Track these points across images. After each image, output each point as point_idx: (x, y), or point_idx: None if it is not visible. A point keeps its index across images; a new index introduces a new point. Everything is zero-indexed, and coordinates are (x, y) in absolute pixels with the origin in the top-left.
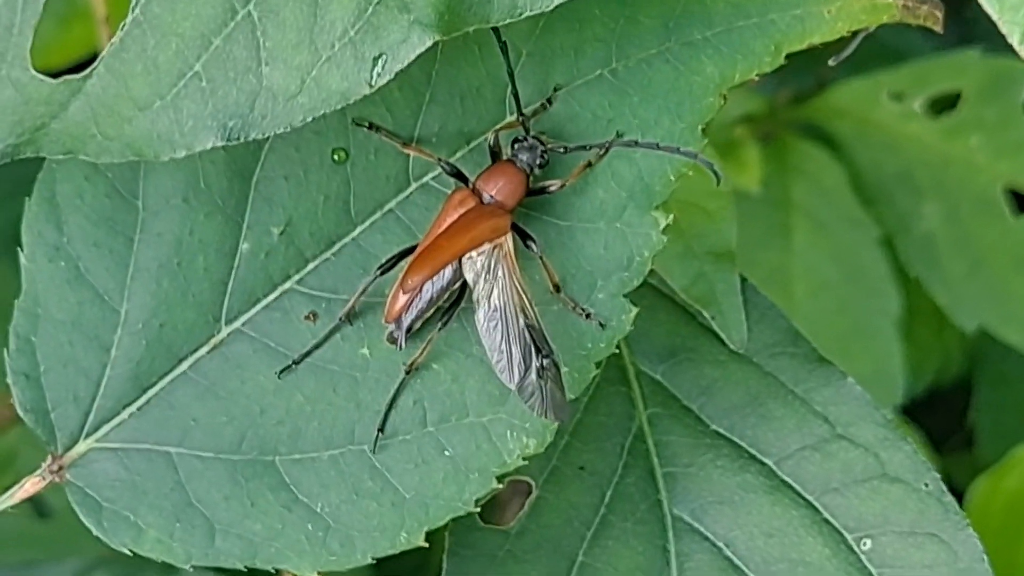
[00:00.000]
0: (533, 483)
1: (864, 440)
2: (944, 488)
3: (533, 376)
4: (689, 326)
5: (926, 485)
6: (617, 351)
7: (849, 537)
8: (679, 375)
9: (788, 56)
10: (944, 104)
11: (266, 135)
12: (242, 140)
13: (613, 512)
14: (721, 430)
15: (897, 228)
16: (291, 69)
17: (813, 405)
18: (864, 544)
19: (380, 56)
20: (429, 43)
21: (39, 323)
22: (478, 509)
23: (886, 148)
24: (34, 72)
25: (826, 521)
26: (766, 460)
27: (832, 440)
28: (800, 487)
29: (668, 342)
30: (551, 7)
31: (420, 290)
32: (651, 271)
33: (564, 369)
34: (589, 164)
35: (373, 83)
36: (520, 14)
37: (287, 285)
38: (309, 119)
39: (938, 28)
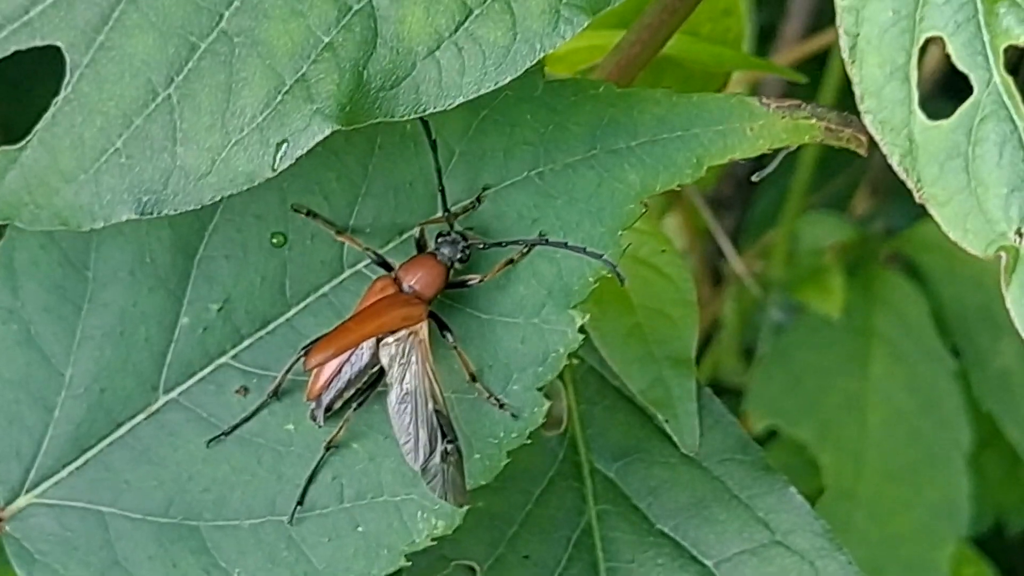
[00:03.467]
0: (477, 568)
1: (801, 548)
2: None
3: (437, 459)
4: (645, 428)
5: None
6: (574, 449)
7: None
8: (631, 474)
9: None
10: None
11: (177, 211)
12: (155, 215)
13: None
14: (666, 529)
15: (973, 362)
16: (203, 150)
17: (756, 511)
18: None
19: (284, 142)
20: (328, 132)
21: None
22: None
23: (970, 283)
24: None
25: None
26: (706, 561)
27: (771, 546)
28: None
29: (624, 442)
30: (453, 105)
31: (340, 371)
32: (613, 372)
33: (476, 456)
34: (511, 261)
35: (275, 167)
36: (424, 110)
37: (222, 359)
38: (217, 198)
39: (862, 151)
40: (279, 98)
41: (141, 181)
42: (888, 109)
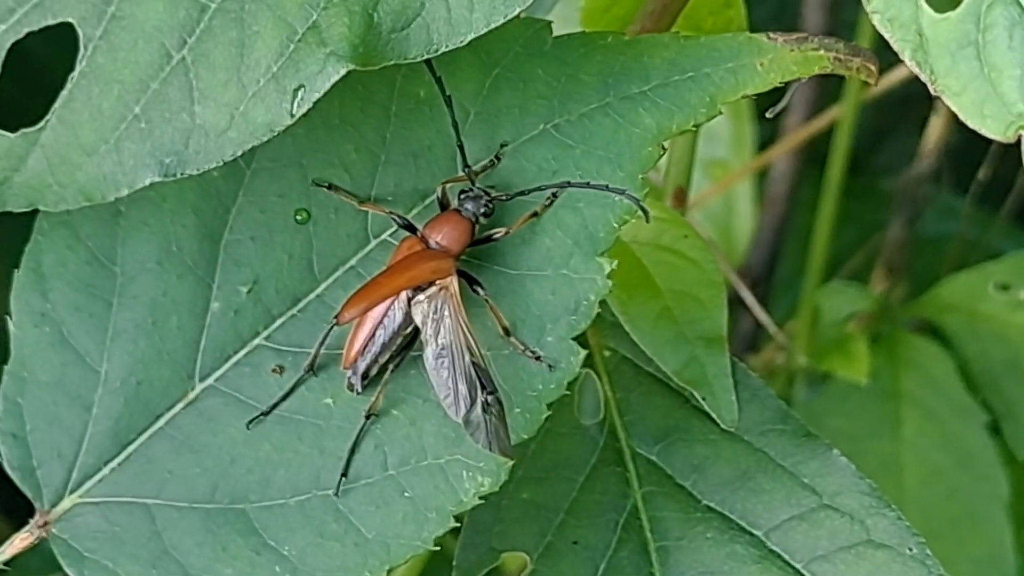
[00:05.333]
0: (528, 558)
1: (850, 508)
2: (928, 552)
3: (478, 410)
4: (683, 408)
5: (911, 549)
6: (613, 436)
7: None
8: (672, 455)
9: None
10: None
11: (200, 170)
12: (178, 176)
13: None
14: (712, 504)
15: (1004, 413)
16: (221, 106)
17: (801, 477)
18: None
19: (300, 88)
20: (343, 72)
21: (26, 386)
22: (437, 547)
23: (994, 338)
24: None
25: None
26: (755, 531)
27: (819, 509)
28: (788, 555)
29: (663, 424)
30: (466, 42)
31: (373, 335)
32: (646, 358)
33: (516, 410)
34: (535, 214)
35: (294, 113)
36: (436, 50)
37: (256, 341)
38: (239, 152)
39: (872, 80)
40: (292, 47)
41: (162, 144)
42: (895, 7)
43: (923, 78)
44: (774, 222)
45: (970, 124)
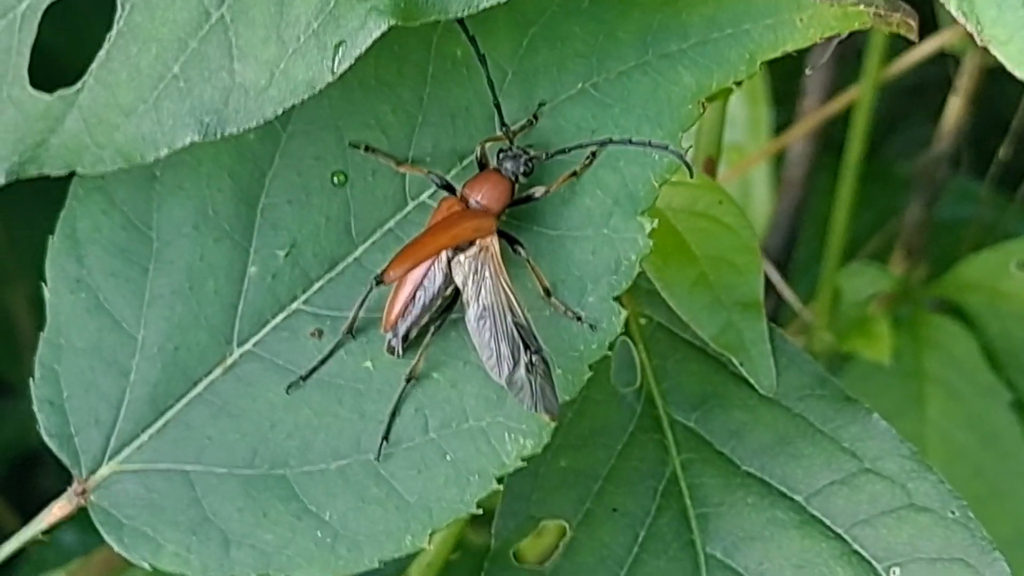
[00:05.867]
0: (567, 525)
1: (891, 472)
2: (971, 515)
3: (522, 371)
4: (720, 374)
5: (953, 512)
6: (651, 403)
7: (879, 566)
8: (710, 421)
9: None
10: None
11: (240, 129)
12: (218, 136)
13: (646, 551)
14: (752, 470)
15: None
16: (261, 64)
17: (841, 442)
18: (893, 573)
19: (340, 44)
20: (385, 27)
21: (62, 352)
22: (480, 511)
23: (1016, 317)
24: (31, 90)
25: (855, 552)
26: (795, 496)
27: (860, 474)
28: (829, 520)
29: (700, 391)
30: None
31: (414, 297)
32: (682, 325)
33: (558, 371)
34: (574, 173)
35: (335, 70)
36: (478, 6)
37: (294, 305)
38: (279, 111)
39: (912, 36)
40: (332, 2)
41: (202, 103)
42: None
43: (969, 28)
44: (791, 206)
45: (1017, 74)
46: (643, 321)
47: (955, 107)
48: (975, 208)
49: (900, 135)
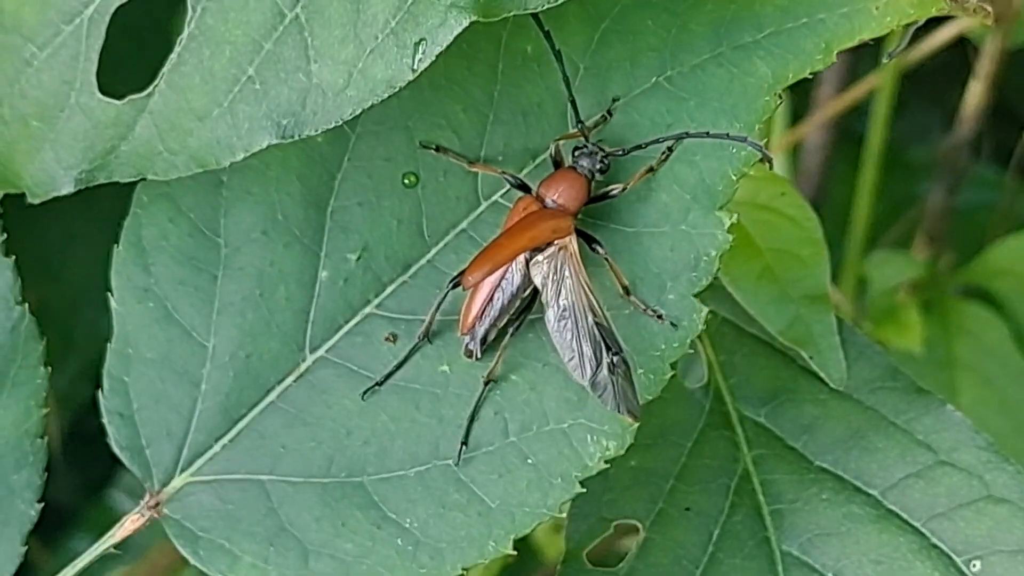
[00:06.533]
0: (640, 526)
1: (967, 464)
2: None
3: (604, 372)
4: (789, 369)
5: None
6: (719, 400)
7: (958, 560)
8: (781, 416)
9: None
10: None
11: (318, 130)
12: (296, 138)
13: (721, 550)
14: (825, 465)
15: None
16: (338, 64)
17: (915, 434)
18: (973, 566)
19: (420, 41)
20: (466, 23)
21: (131, 363)
22: (563, 515)
23: None
24: (100, 96)
25: (934, 546)
26: (871, 491)
27: (936, 467)
28: (906, 514)
29: (769, 386)
30: None
31: (491, 299)
32: (748, 319)
33: (639, 371)
34: (651, 169)
35: (416, 68)
36: (557, 0)
37: (367, 310)
38: (358, 111)
39: (988, 21)
40: (411, 0)
41: (278, 105)
42: None
43: None
44: (808, 196)
45: None
46: (708, 316)
47: (976, 92)
48: (993, 194)
49: (905, 121)
